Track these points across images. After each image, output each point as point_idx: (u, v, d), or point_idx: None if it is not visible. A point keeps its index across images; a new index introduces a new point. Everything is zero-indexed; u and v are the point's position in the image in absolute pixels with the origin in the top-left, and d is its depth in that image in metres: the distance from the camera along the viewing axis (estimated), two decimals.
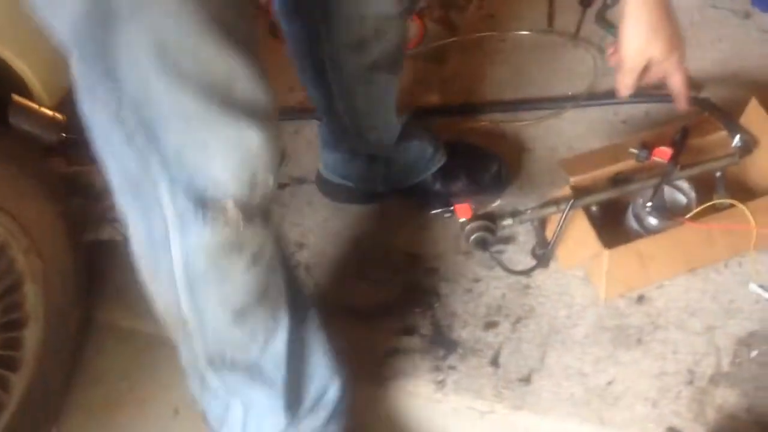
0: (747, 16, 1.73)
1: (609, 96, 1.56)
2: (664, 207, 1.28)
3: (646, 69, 1.13)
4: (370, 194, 1.49)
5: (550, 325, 1.30)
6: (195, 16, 0.74)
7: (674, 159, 1.24)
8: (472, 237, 1.23)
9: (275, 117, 0.82)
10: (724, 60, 1.63)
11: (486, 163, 1.47)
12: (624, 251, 1.23)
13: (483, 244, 1.23)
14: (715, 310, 1.27)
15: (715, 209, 1.26)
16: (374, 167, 1.44)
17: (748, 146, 1.28)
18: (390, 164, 1.44)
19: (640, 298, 1.30)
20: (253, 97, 0.78)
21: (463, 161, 1.46)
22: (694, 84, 1.54)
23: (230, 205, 0.81)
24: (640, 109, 1.56)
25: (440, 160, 1.44)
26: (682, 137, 1.26)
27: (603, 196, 1.26)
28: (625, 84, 1.15)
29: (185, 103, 0.76)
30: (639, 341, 1.26)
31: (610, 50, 1.16)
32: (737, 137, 1.28)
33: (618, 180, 1.28)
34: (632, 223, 1.29)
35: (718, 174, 1.29)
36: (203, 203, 0.80)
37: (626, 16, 1.10)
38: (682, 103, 1.20)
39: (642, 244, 1.23)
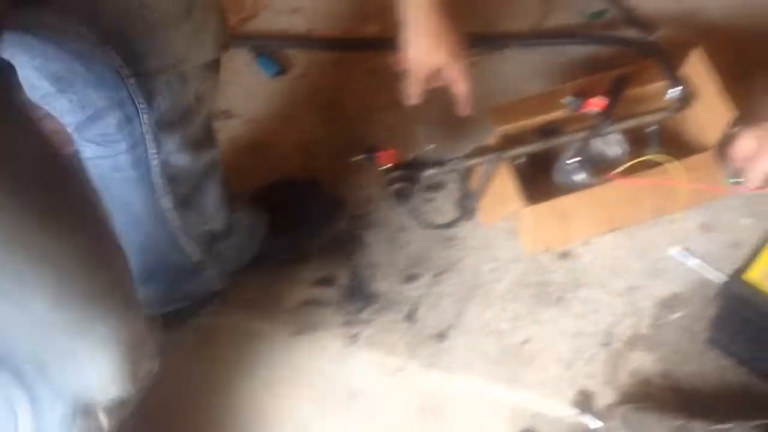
0: None
1: (555, 35, 1.47)
2: (593, 162, 1.22)
3: (434, 74, 1.11)
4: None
5: (473, 279, 1.26)
6: None
7: (606, 111, 1.17)
8: (392, 187, 1.18)
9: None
10: None
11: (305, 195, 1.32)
12: (545, 208, 1.18)
13: (403, 195, 1.18)
14: (639, 270, 1.24)
15: (648, 166, 1.20)
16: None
17: (687, 99, 1.21)
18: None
19: (565, 254, 1.26)
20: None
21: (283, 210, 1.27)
22: (647, 24, 1.45)
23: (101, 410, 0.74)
24: (587, 51, 1.47)
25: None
26: (617, 87, 1.19)
27: (529, 148, 1.20)
28: (411, 92, 1.13)
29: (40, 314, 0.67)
30: (560, 299, 1.23)
31: (396, 58, 1.11)
32: (675, 89, 1.21)
33: (547, 131, 1.21)
34: (560, 178, 1.23)
35: (652, 128, 1.22)
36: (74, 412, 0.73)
37: (407, 24, 1.05)
38: (464, 110, 1.16)
39: (564, 201, 1.18)
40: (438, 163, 1.19)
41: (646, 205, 1.20)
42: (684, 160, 1.18)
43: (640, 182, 1.17)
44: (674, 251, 1.23)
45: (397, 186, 1.17)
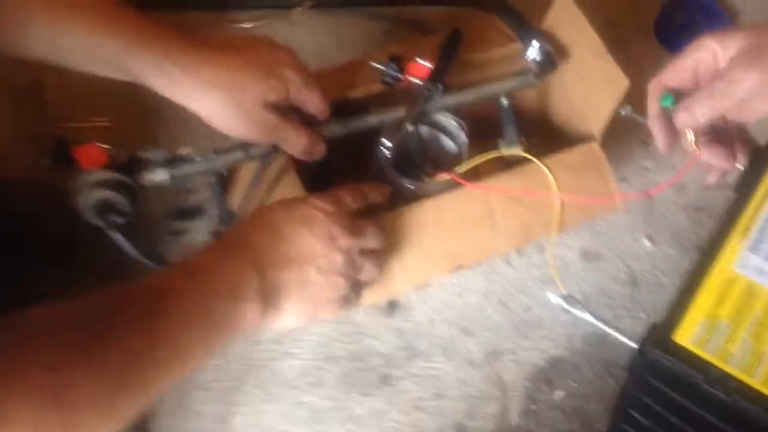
0: None
1: None
2: (417, 158, 0.79)
3: None
4: None
5: (247, 358, 0.79)
6: None
7: (434, 77, 0.75)
8: (88, 198, 0.69)
9: None
10: None
11: None
12: None
13: (105, 212, 0.69)
14: (501, 326, 0.82)
15: (503, 165, 0.79)
16: None
17: (549, 61, 0.80)
18: None
19: (392, 307, 0.83)
20: None
21: None
22: None
23: None
24: (408, 14, 1.05)
25: None
26: (449, 47, 0.77)
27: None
28: None
29: None
30: (385, 379, 0.79)
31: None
32: (532, 48, 0.80)
33: (347, 110, 0.77)
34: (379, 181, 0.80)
35: (504, 103, 0.79)
36: None
37: None
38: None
39: (382, 222, 0.74)
40: (174, 160, 0.72)
41: (502, 229, 0.77)
42: (555, 156, 0.78)
43: (492, 191, 0.75)
44: (551, 295, 0.82)
45: (96, 196, 0.68)
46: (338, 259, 0.64)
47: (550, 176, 0.76)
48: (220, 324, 0.57)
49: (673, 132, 0.70)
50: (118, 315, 0.51)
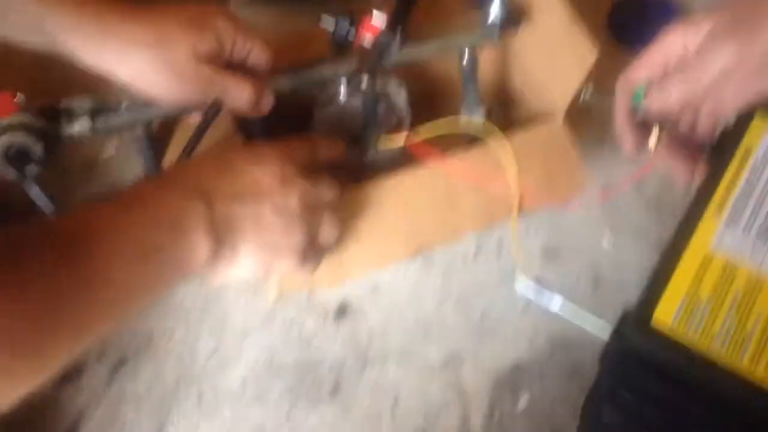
0: None
1: None
2: (367, 123, 0.73)
3: None
4: None
5: (180, 368, 0.72)
6: None
7: (391, 24, 0.70)
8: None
9: None
10: None
11: None
12: None
13: (17, 160, 0.60)
14: (460, 329, 0.76)
15: (461, 141, 0.73)
16: None
17: (514, 17, 0.74)
18: None
19: (341, 311, 0.76)
20: None
21: None
22: None
23: None
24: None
25: None
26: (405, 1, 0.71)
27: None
28: None
29: None
30: (336, 389, 0.72)
31: None
32: (494, 3, 0.73)
33: (295, 70, 0.71)
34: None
35: (466, 58, 0.74)
36: None
37: None
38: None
39: None
40: (102, 108, 0.63)
41: (465, 209, 0.72)
42: (518, 135, 0.73)
43: (448, 167, 0.69)
44: (521, 285, 0.77)
45: (12, 144, 0.59)
46: (293, 200, 0.58)
47: (510, 155, 0.71)
48: (165, 259, 0.50)
49: (641, 132, 0.66)
50: (38, 250, 0.44)
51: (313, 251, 0.61)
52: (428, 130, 0.71)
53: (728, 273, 0.58)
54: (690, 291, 0.57)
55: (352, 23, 0.70)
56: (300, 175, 0.59)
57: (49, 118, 0.61)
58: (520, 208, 0.72)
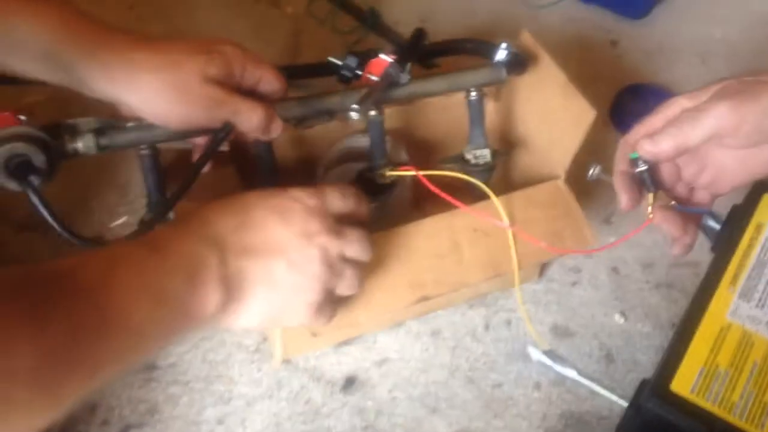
0: None
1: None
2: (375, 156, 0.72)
3: None
4: None
5: None
6: None
7: (401, 58, 0.70)
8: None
9: None
10: None
11: None
12: None
13: (19, 170, 0.58)
14: (470, 404, 0.74)
15: (472, 197, 0.73)
16: None
17: (520, 60, 0.75)
18: None
19: (349, 383, 0.75)
20: None
21: None
22: None
23: None
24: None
25: None
26: (414, 40, 0.72)
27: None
28: None
29: None
30: None
31: None
32: (501, 48, 0.74)
33: (305, 98, 0.70)
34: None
35: (473, 96, 0.74)
36: None
37: None
38: None
39: None
40: (102, 128, 0.63)
41: (469, 260, 0.70)
42: (521, 192, 0.74)
43: (458, 206, 0.68)
44: (532, 349, 0.76)
45: (12, 153, 0.58)
46: (314, 255, 0.56)
47: (503, 213, 0.70)
48: (177, 308, 0.49)
49: (637, 189, 0.67)
50: (65, 282, 0.43)
51: (328, 306, 0.60)
52: (434, 169, 0.71)
53: (745, 343, 0.57)
54: (708, 360, 0.56)
55: (358, 63, 0.71)
56: (325, 231, 0.57)
57: (52, 135, 0.61)
58: (524, 261, 0.72)
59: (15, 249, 0.79)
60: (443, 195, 0.67)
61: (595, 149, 0.74)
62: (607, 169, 0.71)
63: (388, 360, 0.76)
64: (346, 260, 0.59)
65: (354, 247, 0.59)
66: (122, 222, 0.66)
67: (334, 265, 0.58)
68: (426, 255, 0.69)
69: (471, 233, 0.71)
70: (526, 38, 0.78)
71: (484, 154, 0.74)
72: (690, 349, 0.57)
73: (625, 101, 1.02)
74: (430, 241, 0.70)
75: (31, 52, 0.58)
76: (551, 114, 0.78)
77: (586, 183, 0.71)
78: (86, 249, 0.59)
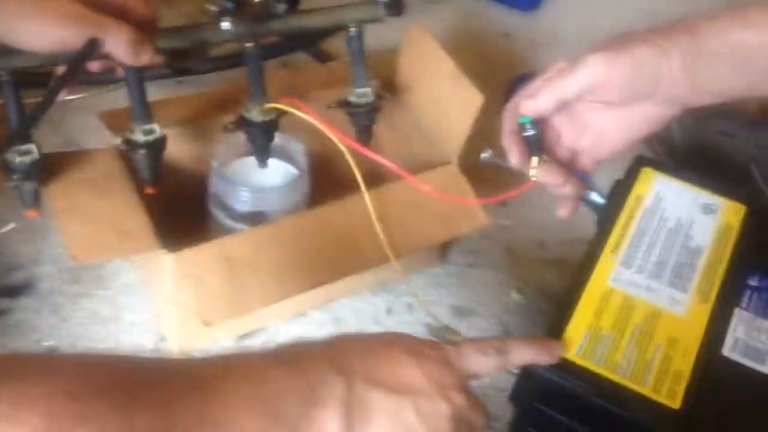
0: None
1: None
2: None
3: None
4: None
5: None
6: None
7: None
8: None
9: None
10: None
11: None
12: (204, 255, 0.66)
13: None
14: None
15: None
16: None
17: (398, 3, 0.75)
18: None
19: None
20: None
21: None
22: None
23: None
24: None
25: None
26: None
27: None
28: None
29: None
30: None
31: None
32: None
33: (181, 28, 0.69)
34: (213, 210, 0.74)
35: (353, 32, 0.74)
36: None
37: None
38: None
39: (230, 244, 0.67)
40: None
41: (355, 249, 0.72)
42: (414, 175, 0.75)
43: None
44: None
45: None
46: (443, 410, 0.49)
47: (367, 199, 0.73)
48: (291, 426, 0.44)
49: (526, 151, 0.68)
50: (166, 385, 0.40)
51: None
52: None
53: (627, 306, 0.60)
54: (592, 324, 0.59)
55: None
56: (458, 387, 0.51)
57: None
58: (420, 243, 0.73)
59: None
60: (332, 130, 0.68)
61: (489, 136, 0.76)
62: (500, 153, 0.73)
63: (273, 327, 0.76)
64: (468, 424, 0.52)
65: (476, 413, 0.53)
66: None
67: (459, 427, 0.51)
68: (323, 240, 0.70)
69: (367, 219, 0.72)
70: (416, 30, 0.80)
71: (367, 93, 0.75)
72: (575, 314, 0.60)
73: (517, 89, 1.04)
74: (328, 227, 0.71)
75: None
76: (442, 101, 0.80)
77: (481, 169, 0.73)
78: None
